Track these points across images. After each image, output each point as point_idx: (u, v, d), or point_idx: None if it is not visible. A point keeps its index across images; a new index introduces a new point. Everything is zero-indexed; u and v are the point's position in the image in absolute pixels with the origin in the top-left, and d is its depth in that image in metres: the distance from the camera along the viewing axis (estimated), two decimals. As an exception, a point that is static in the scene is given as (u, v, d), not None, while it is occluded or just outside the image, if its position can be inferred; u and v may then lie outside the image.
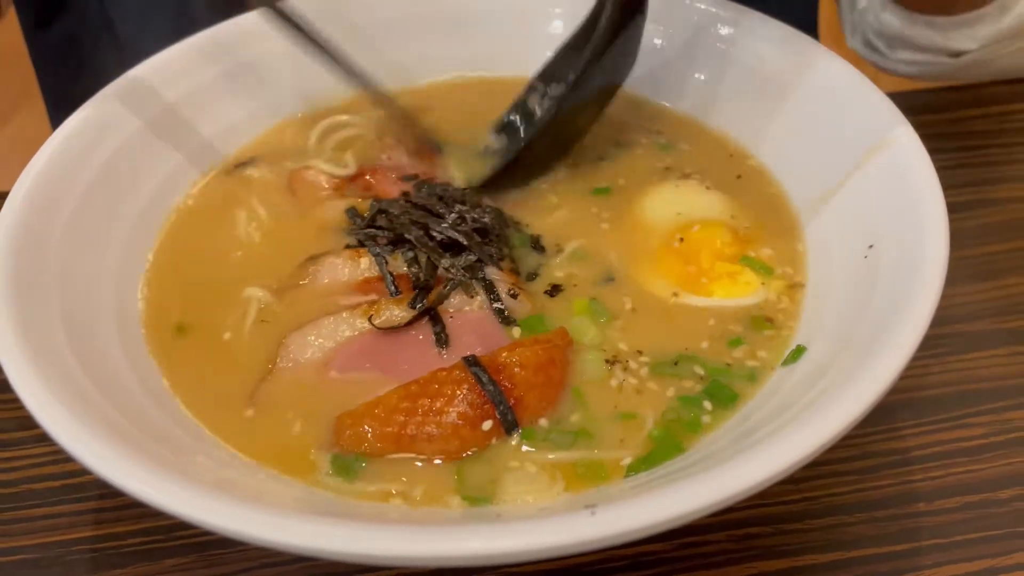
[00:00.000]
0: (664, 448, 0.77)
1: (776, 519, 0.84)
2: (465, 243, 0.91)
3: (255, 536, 0.59)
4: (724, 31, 1.10)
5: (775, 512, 0.85)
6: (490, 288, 0.89)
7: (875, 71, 1.51)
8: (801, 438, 0.64)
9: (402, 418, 0.78)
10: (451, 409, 0.78)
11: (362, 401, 0.81)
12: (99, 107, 0.98)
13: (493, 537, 0.59)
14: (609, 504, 0.59)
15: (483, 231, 0.93)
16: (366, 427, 0.78)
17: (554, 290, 0.92)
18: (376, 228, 0.94)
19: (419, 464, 0.78)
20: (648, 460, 0.76)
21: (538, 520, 0.60)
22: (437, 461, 0.78)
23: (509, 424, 0.78)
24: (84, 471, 0.66)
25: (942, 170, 0.86)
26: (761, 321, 0.88)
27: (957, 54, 1.28)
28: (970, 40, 1.25)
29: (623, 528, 0.59)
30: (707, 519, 0.62)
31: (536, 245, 0.96)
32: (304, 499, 0.74)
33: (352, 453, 0.78)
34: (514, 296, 0.89)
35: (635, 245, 0.97)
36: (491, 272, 0.90)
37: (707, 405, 0.81)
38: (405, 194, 0.99)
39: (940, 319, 0.73)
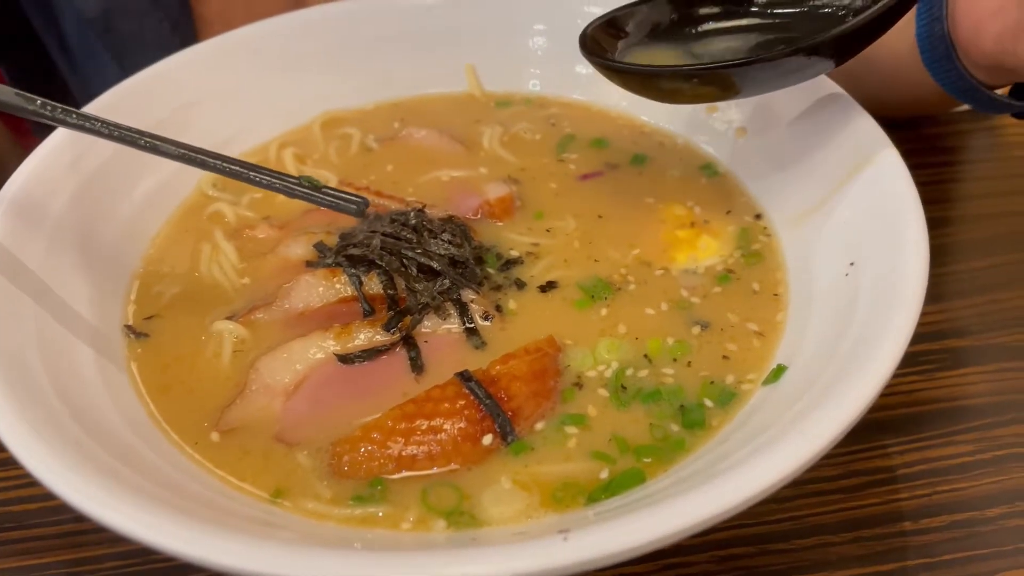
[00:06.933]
0: (642, 470, 0.77)
1: (760, 539, 0.83)
2: (439, 269, 0.90)
3: (221, 563, 0.59)
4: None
5: (759, 532, 0.84)
6: (464, 310, 0.89)
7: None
8: (782, 457, 0.63)
9: (401, 440, 0.77)
10: (450, 427, 0.78)
11: (335, 424, 0.80)
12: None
13: (465, 562, 0.58)
14: (582, 529, 0.59)
15: (455, 260, 0.92)
16: (364, 452, 0.77)
17: (548, 286, 0.93)
18: (346, 258, 0.93)
19: (408, 485, 0.77)
20: (626, 480, 0.76)
21: (510, 545, 0.59)
22: (434, 470, 0.77)
23: (508, 437, 0.78)
24: (60, 493, 0.65)
25: (928, 185, 0.85)
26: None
27: None
28: None
29: (596, 553, 0.58)
30: (690, 539, 0.61)
31: (506, 264, 0.96)
32: (274, 524, 0.73)
33: (350, 479, 0.77)
34: (487, 319, 0.89)
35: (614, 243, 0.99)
36: (466, 295, 0.90)
37: (684, 425, 0.80)
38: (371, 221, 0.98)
39: (926, 335, 0.73)
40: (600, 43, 1.00)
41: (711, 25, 1.01)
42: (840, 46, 0.88)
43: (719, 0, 1.01)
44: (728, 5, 1.01)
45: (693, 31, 1.02)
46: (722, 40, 1.00)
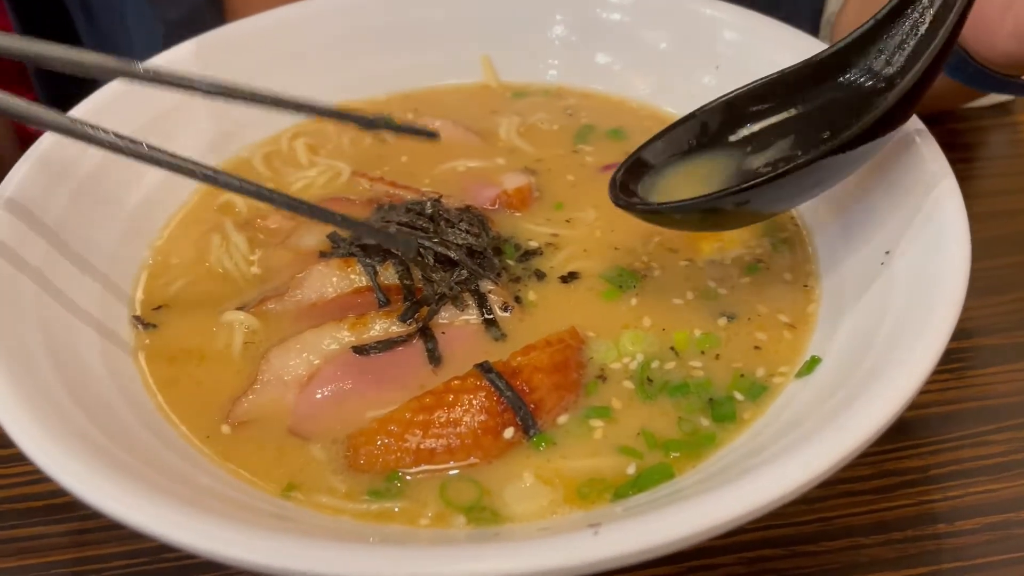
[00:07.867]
0: (670, 465, 0.74)
1: (790, 541, 0.81)
2: (456, 258, 0.88)
3: (233, 557, 0.56)
4: (730, 36, 1.09)
5: (788, 533, 0.82)
6: (482, 301, 0.87)
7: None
8: (814, 456, 0.61)
9: (419, 433, 0.75)
10: (470, 419, 0.75)
11: (350, 417, 0.78)
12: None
13: (490, 557, 0.55)
14: (613, 523, 0.56)
15: (473, 250, 0.90)
16: (380, 445, 0.75)
17: (569, 277, 0.91)
18: (361, 247, 0.90)
19: (426, 480, 0.75)
20: (654, 475, 0.73)
21: (539, 540, 0.56)
22: (452, 464, 0.75)
23: (530, 430, 0.76)
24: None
25: (958, 181, 0.83)
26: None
27: None
28: None
29: (627, 549, 0.55)
30: (717, 540, 0.59)
31: (525, 255, 0.94)
32: (287, 518, 0.70)
33: (366, 473, 0.75)
34: (507, 310, 0.87)
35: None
36: (484, 285, 0.88)
37: (714, 419, 0.78)
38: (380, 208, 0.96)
39: (957, 332, 0.71)
40: (628, 184, 0.89)
41: (747, 130, 0.89)
42: (874, 131, 0.78)
43: (754, 99, 0.88)
44: (761, 104, 0.88)
45: (733, 138, 0.89)
46: (765, 150, 0.87)
